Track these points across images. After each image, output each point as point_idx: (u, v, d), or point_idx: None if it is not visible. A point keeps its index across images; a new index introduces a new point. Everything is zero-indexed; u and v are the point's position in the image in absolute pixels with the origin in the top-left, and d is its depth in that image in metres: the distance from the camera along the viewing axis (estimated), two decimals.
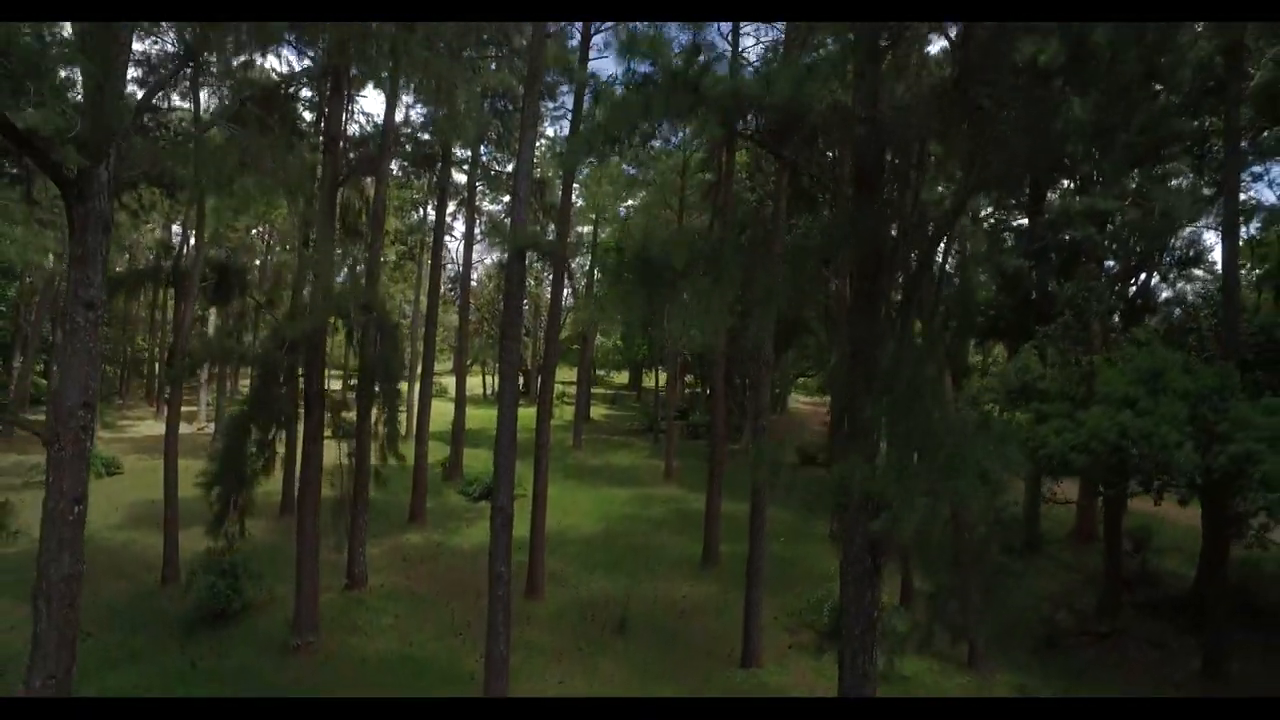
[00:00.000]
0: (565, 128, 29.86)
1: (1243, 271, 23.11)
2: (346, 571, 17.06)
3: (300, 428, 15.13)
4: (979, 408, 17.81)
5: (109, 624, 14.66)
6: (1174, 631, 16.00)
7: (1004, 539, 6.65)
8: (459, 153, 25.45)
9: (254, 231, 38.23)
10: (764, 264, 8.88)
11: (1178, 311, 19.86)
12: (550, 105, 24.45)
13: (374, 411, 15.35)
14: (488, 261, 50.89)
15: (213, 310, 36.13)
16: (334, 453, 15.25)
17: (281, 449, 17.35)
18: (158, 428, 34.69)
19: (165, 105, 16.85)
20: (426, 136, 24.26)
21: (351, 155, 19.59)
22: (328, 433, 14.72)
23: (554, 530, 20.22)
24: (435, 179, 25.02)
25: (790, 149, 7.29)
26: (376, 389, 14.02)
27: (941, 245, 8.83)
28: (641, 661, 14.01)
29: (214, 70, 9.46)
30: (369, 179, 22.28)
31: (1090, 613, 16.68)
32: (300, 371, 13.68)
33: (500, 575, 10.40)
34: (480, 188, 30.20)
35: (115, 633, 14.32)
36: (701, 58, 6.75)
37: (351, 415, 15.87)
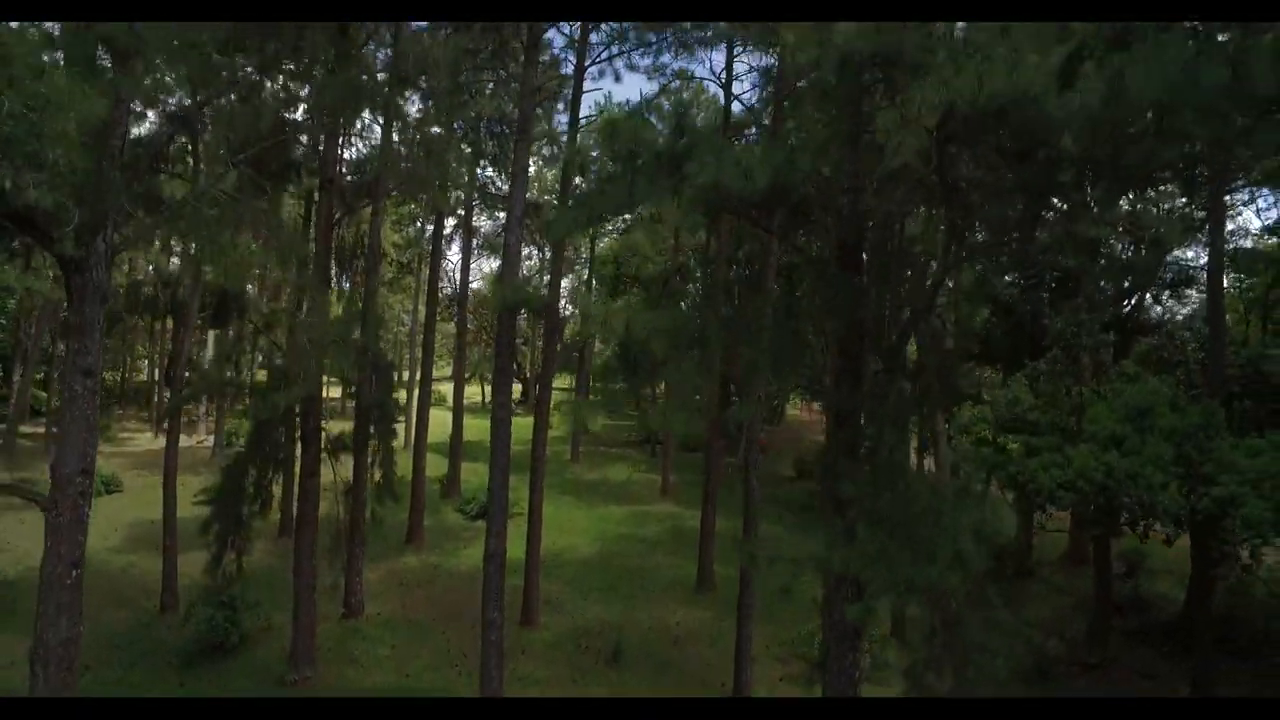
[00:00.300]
0: (564, 136, 29.92)
1: (1234, 291, 23.28)
2: (344, 600, 17.20)
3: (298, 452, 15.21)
4: (972, 435, 17.97)
5: (108, 656, 14.82)
6: (1163, 658, 16.16)
7: (985, 612, 6.78)
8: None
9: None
10: (754, 313, 9.03)
11: (1165, 341, 20.02)
12: (547, 126, 24.56)
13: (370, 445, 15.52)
14: (486, 269, 50.95)
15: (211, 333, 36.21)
16: (332, 470, 15.26)
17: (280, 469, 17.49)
18: (157, 442, 34.83)
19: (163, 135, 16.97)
20: (423, 154, 24.39)
21: (349, 178, 19.74)
22: (325, 448, 14.82)
23: (550, 551, 20.35)
24: (432, 202, 25.15)
25: (776, 225, 7.44)
26: (373, 429, 14.19)
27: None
28: (634, 693, 14.17)
29: (212, 123, 9.58)
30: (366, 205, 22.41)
31: (1081, 640, 16.84)
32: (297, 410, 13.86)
33: (493, 621, 10.58)
34: (476, 203, 30.33)
35: (114, 667, 14.48)
36: (685, 139, 6.91)
37: (348, 425, 15.96)
